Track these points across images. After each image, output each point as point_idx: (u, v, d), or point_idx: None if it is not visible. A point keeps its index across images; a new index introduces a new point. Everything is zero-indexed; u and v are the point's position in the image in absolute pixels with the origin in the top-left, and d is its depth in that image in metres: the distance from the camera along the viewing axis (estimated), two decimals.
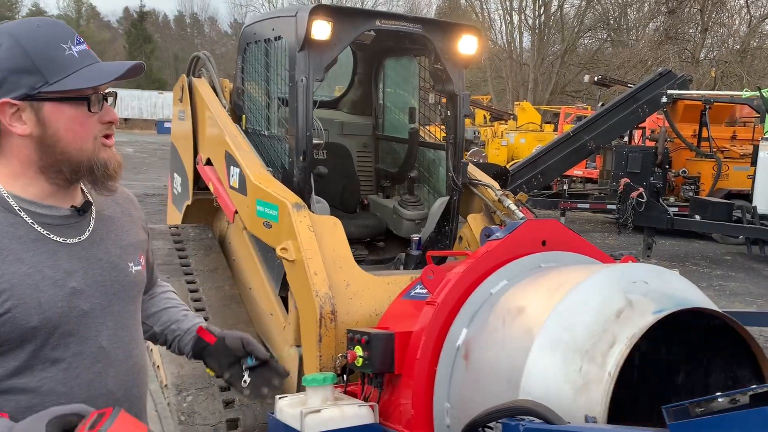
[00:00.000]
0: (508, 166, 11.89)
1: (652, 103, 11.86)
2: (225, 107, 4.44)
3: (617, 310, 1.99)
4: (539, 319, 2.06)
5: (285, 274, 3.47)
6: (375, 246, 4.46)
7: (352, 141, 4.90)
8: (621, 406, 1.96)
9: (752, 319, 5.33)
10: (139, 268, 1.68)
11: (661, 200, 11.43)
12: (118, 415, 1.26)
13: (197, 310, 4.02)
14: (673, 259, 11.67)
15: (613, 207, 11.55)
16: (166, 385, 3.80)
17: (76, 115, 1.47)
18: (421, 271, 3.09)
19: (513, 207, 3.84)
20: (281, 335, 3.66)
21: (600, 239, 13.11)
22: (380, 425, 2.42)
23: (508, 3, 37.63)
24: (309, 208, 3.45)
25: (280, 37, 3.88)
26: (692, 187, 13.58)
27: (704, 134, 13.67)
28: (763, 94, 11.82)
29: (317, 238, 3.20)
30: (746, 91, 14.25)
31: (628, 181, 10.99)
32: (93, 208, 1.61)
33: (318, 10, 3.53)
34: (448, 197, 4.12)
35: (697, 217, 11.06)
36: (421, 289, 2.74)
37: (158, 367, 4.05)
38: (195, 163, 4.69)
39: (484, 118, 24.52)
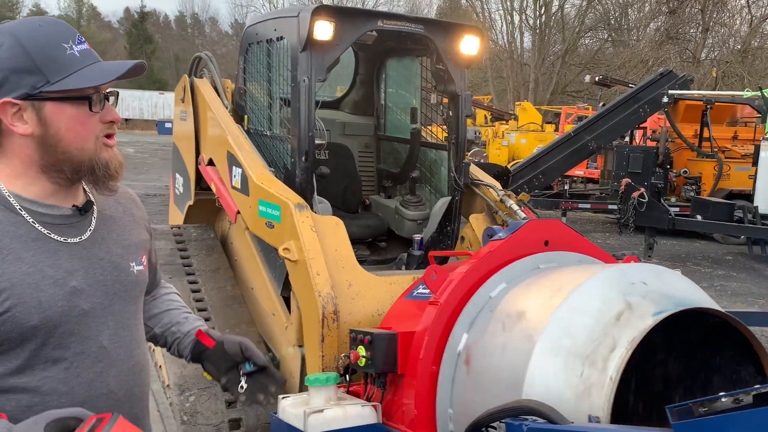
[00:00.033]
0: (509, 167, 11.90)
1: (653, 103, 11.87)
2: (227, 108, 4.44)
3: (617, 313, 1.99)
4: (539, 324, 2.06)
5: (287, 275, 3.48)
6: (377, 246, 4.46)
7: (354, 141, 4.90)
8: (621, 405, 1.96)
9: (754, 319, 5.32)
10: (141, 268, 1.68)
11: (662, 200, 11.44)
12: (116, 421, 1.25)
13: (199, 310, 4.02)
14: (675, 260, 11.66)
15: (615, 207, 11.57)
16: (168, 385, 3.80)
17: (78, 114, 1.47)
18: (423, 271, 3.10)
19: (515, 207, 3.83)
20: (283, 335, 3.66)
21: (601, 239, 13.10)
22: (383, 425, 2.43)
23: (508, 3, 37.65)
24: (311, 208, 3.46)
25: (282, 38, 3.89)
26: (693, 187, 13.58)
27: (705, 134, 13.67)
28: (764, 94, 11.83)
29: (319, 239, 3.20)
30: (747, 91, 14.28)
31: (630, 181, 11.01)
32: (95, 207, 1.61)
33: (320, 11, 3.53)
34: (449, 197, 4.12)
35: (699, 217, 11.07)
36: (423, 289, 2.75)
37: (160, 367, 4.05)
38: (197, 163, 4.69)
39: (485, 118, 24.53)
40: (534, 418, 1.76)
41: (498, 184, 4.18)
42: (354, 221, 4.19)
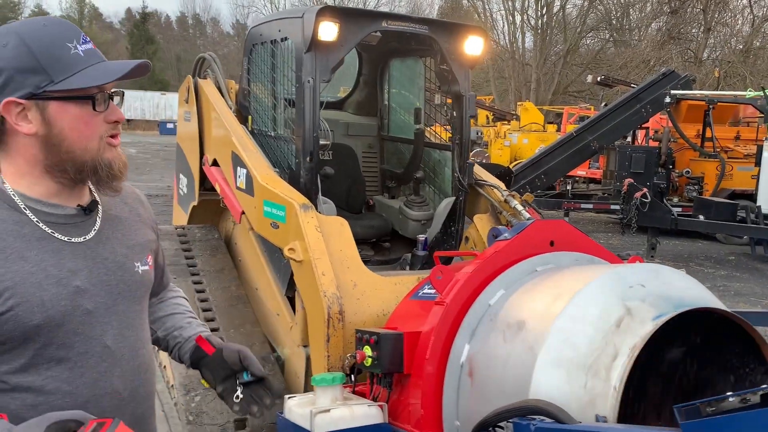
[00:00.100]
0: (511, 167, 11.91)
1: (655, 103, 11.87)
2: (231, 108, 4.45)
3: (617, 320, 1.98)
4: (540, 335, 2.05)
5: (292, 275, 3.48)
6: (381, 246, 4.46)
7: (358, 142, 4.91)
8: (628, 408, 1.96)
9: (757, 319, 5.31)
10: (146, 268, 1.67)
11: (664, 200, 11.45)
12: (117, 426, 1.25)
13: (204, 310, 4.03)
14: (677, 260, 11.65)
15: (617, 207, 11.56)
16: (172, 385, 3.81)
17: (81, 114, 1.47)
18: (427, 271, 3.11)
19: (519, 207, 3.84)
20: (288, 335, 3.67)
21: (604, 239, 13.10)
22: (389, 425, 2.43)
23: (510, 3, 37.64)
24: (316, 208, 3.46)
25: (286, 39, 3.89)
26: (696, 187, 13.58)
27: (708, 134, 13.66)
28: (767, 94, 11.81)
29: (324, 239, 3.21)
30: (750, 91, 14.28)
31: (632, 181, 11.01)
32: (100, 207, 1.60)
33: (325, 12, 3.54)
34: (454, 198, 4.12)
35: (701, 217, 11.06)
36: (429, 289, 2.75)
37: (165, 367, 4.06)
38: (201, 164, 4.70)
39: (487, 118, 24.50)
40: (542, 417, 1.76)
41: (502, 185, 4.18)
42: (358, 222, 4.19)
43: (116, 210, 1.66)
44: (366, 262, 3.44)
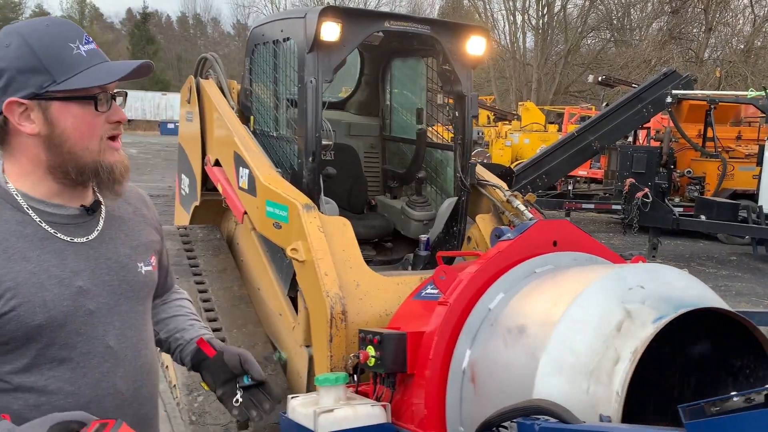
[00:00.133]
0: (512, 167, 11.90)
1: (656, 103, 11.86)
2: (233, 109, 4.45)
3: (617, 323, 1.98)
4: (540, 341, 2.04)
5: (294, 275, 3.48)
6: (383, 246, 4.46)
7: (359, 142, 4.91)
8: (631, 409, 1.96)
9: (759, 319, 5.31)
10: (150, 268, 1.67)
11: (666, 200, 11.44)
12: (120, 427, 1.25)
13: (206, 310, 4.03)
14: (679, 260, 11.65)
15: (618, 207, 11.56)
16: (175, 385, 3.81)
17: (83, 114, 1.47)
18: (429, 271, 3.11)
19: (522, 207, 3.84)
20: (290, 335, 3.67)
21: (605, 240, 13.09)
22: (393, 425, 2.43)
23: (511, 3, 37.66)
24: (318, 208, 3.47)
25: (288, 39, 3.89)
26: (697, 187, 13.58)
27: (709, 134, 13.65)
28: None
29: (327, 239, 3.21)
30: (751, 90, 14.27)
31: (633, 181, 11.00)
32: (103, 207, 1.60)
33: (327, 12, 3.54)
34: (456, 198, 4.12)
35: (703, 217, 11.06)
36: (432, 289, 2.75)
37: (167, 367, 4.07)
38: (203, 164, 4.70)
39: (488, 118, 24.49)
40: (546, 417, 1.76)
41: (504, 185, 4.18)
42: (360, 222, 4.19)
43: (119, 210, 1.65)
44: (368, 262, 3.44)
